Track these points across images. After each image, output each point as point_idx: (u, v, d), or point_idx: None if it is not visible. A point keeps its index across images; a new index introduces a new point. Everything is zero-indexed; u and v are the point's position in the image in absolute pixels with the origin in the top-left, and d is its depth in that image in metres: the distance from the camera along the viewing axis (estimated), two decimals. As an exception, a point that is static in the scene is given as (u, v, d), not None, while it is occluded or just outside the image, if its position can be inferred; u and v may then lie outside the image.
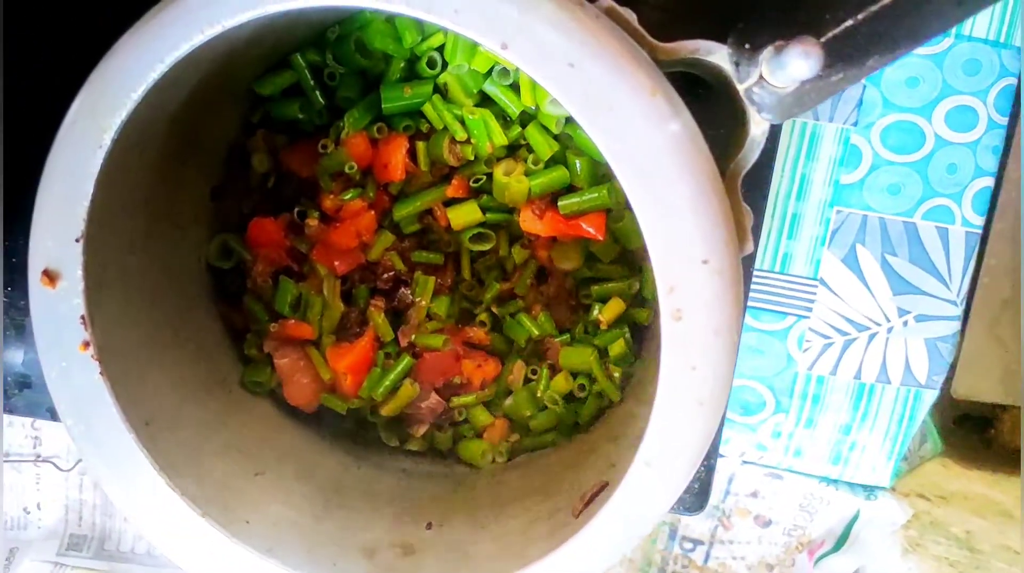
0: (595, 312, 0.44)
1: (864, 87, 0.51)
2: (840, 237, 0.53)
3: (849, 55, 0.28)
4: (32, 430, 0.59)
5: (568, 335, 0.45)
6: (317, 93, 0.41)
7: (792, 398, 0.55)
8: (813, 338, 0.54)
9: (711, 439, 0.32)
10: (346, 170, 0.41)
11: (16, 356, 0.48)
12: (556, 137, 0.41)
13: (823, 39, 0.28)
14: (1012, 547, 0.55)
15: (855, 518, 0.58)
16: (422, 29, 0.40)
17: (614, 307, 0.44)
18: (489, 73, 0.40)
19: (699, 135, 0.30)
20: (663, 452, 0.32)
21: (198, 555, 0.35)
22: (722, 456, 0.57)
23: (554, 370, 0.45)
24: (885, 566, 0.57)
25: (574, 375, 0.45)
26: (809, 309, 0.54)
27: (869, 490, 0.57)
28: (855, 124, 0.51)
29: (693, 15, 0.39)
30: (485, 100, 0.41)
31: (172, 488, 0.34)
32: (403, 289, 0.44)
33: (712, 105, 0.34)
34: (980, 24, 0.50)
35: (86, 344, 0.32)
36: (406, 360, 0.44)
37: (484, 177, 0.42)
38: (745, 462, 0.58)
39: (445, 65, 0.40)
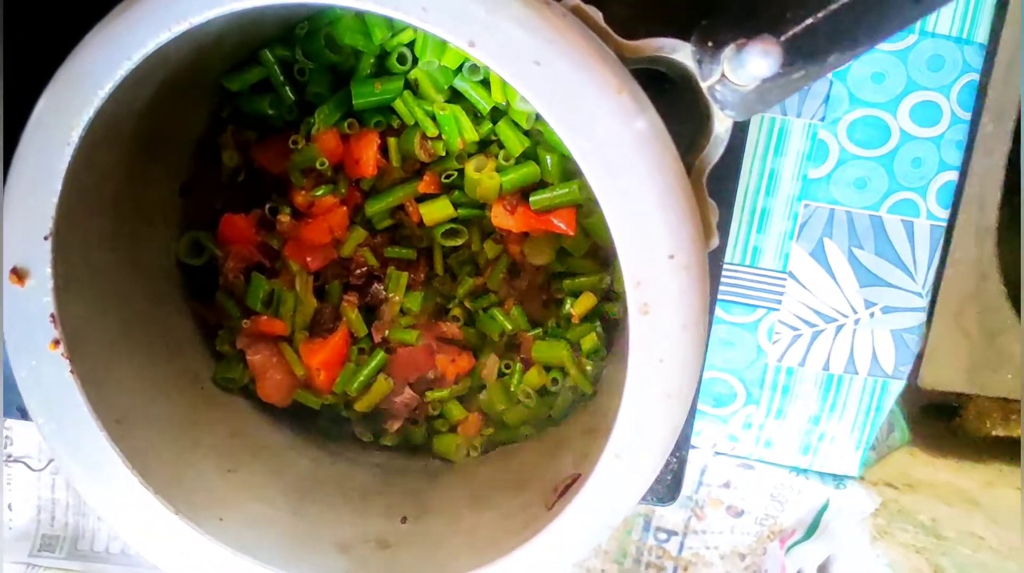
0: (567, 306, 0.44)
1: (831, 83, 0.51)
2: (808, 231, 0.54)
3: (810, 53, 0.28)
4: (3, 430, 0.58)
5: (541, 329, 0.45)
6: (287, 89, 0.41)
7: (762, 390, 0.56)
8: (782, 330, 0.55)
9: (679, 431, 0.33)
10: (317, 166, 0.41)
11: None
12: (527, 133, 0.41)
13: (784, 37, 0.28)
14: (977, 533, 0.56)
15: (824, 507, 0.59)
16: (392, 25, 0.40)
17: (585, 301, 0.44)
18: (459, 69, 0.40)
19: (665, 132, 0.30)
20: (632, 444, 0.32)
21: (172, 553, 0.35)
22: (694, 447, 0.58)
23: (527, 364, 0.45)
24: (854, 554, 0.58)
25: (547, 369, 0.45)
26: (778, 302, 0.55)
27: (838, 479, 0.58)
28: (822, 119, 0.52)
29: (658, 12, 0.40)
30: (456, 96, 0.41)
31: (145, 486, 0.34)
32: (376, 285, 0.44)
33: (676, 101, 0.34)
34: (943, 21, 0.51)
35: (56, 342, 0.32)
36: (380, 355, 0.44)
37: (456, 173, 0.42)
38: (717, 453, 0.59)
39: (415, 61, 0.40)
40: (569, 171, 0.42)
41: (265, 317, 0.43)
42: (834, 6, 0.28)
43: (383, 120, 0.42)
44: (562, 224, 0.41)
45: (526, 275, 0.45)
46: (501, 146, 0.42)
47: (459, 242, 0.44)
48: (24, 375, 0.33)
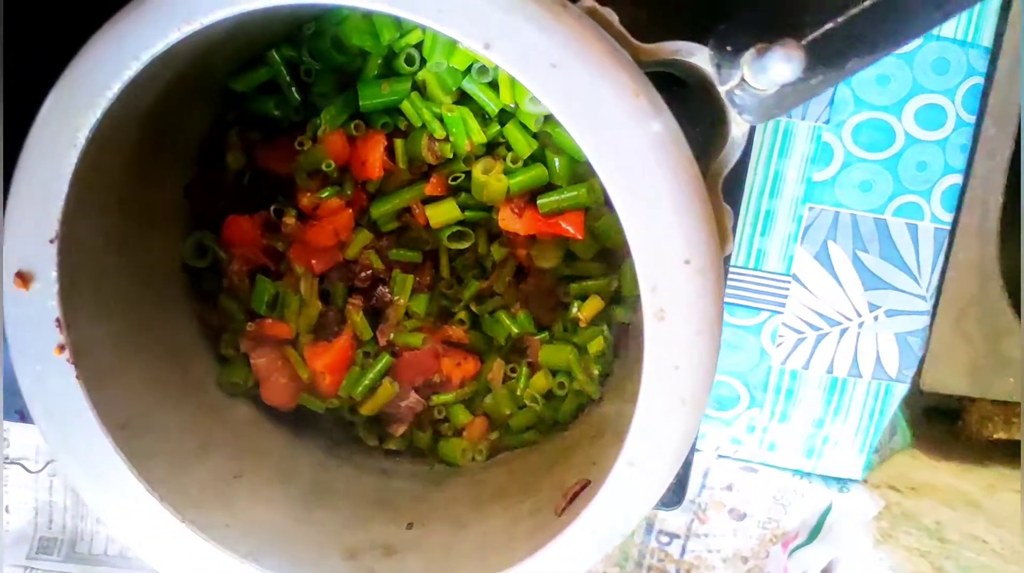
0: (574, 310, 0.44)
1: (836, 85, 0.51)
2: (812, 233, 0.53)
3: (829, 58, 0.28)
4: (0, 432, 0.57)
5: (547, 333, 0.45)
6: (293, 90, 0.41)
7: (766, 393, 0.56)
8: (786, 333, 0.55)
9: (693, 438, 0.32)
10: (323, 168, 0.41)
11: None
12: (535, 135, 0.41)
13: (804, 42, 0.28)
14: (980, 537, 0.56)
15: (828, 510, 0.59)
16: (400, 26, 0.39)
17: (593, 305, 0.44)
18: (468, 71, 0.40)
19: (681, 136, 0.30)
20: (646, 451, 0.32)
21: (178, 560, 0.35)
22: (698, 450, 0.58)
23: (533, 368, 0.45)
24: (857, 557, 0.58)
25: (553, 373, 0.45)
26: (782, 305, 0.55)
27: (842, 483, 0.58)
28: (827, 122, 0.52)
29: (671, 16, 0.39)
30: (464, 98, 0.41)
31: (151, 493, 0.33)
32: (381, 287, 0.44)
33: (689, 104, 0.34)
34: (949, 24, 0.51)
35: (61, 347, 0.32)
36: (385, 359, 0.43)
37: (463, 175, 0.42)
38: (720, 456, 0.58)
39: (423, 62, 0.40)
40: (577, 173, 0.41)
41: (269, 320, 0.42)
42: (854, 11, 0.28)
43: (390, 122, 0.41)
44: (570, 227, 0.41)
45: (533, 278, 0.45)
46: (509, 148, 0.41)
47: (465, 245, 0.43)
48: (28, 381, 0.32)
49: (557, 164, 0.41)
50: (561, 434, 0.45)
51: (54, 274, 0.31)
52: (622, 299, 0.45)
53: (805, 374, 0.56)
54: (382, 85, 0.40)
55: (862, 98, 0.51)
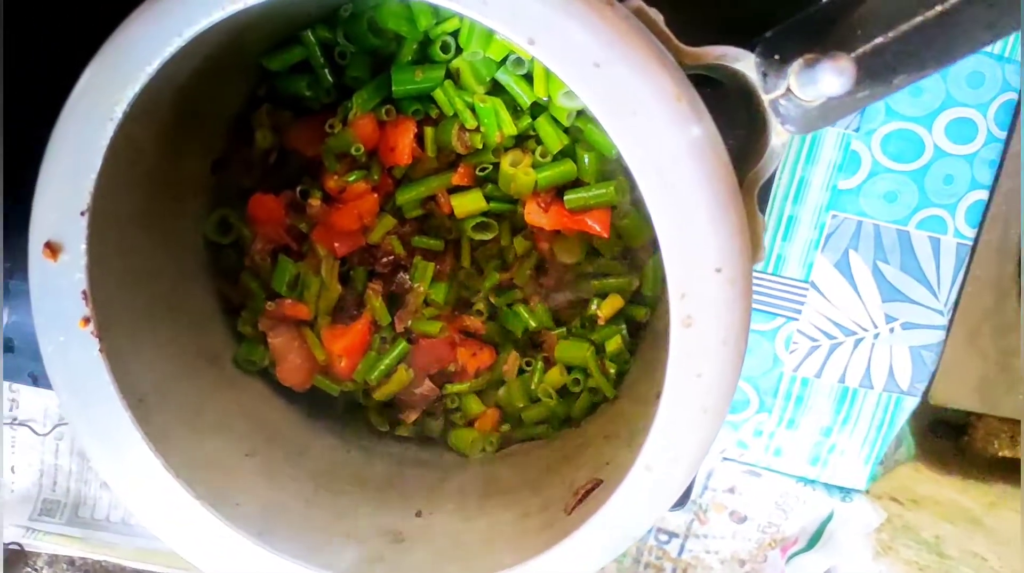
0: (593, 307, 0.44)
1: (877, 98, 0.51)
2: (834, 242, 0.53)
3: (877, 72, 0.28)
4: (9, 393, 0.58)
5: (565, 329, 0.45)
6: (326, 71, 0.41)
7: (776, 398, 0.56)
8: (800, 340, 0.55)
9: (711, 446, 0.32)
10: (352, 151, 0.41)
11: (-2, 318, 0.47)
12: (566, 130, 0.41)
13: (853, 55, 0.27)
14: (980, 554, 0.56)
15: (829, 518, 0.59)
16: (437, 13, 0.39)
17: (613, 303, 0.44)
18: (503, 62, 0.39)
19: (720, 142, 0.30)
20: (664, 456, 0.32)
21: (189, 536, 0.35)
22: (704, 452, 0.58)
23: (549, 363, 0.45)
24: (856, 567, 0.58)
25: (569, 369, 0.45)
26: (799, 311, 0.54)
27: (845, 492, 0.58)
28: (856, 130, 0.51)
29: (717, 20, 0.39)
30: (497, 88, 0.41)
31: (167, 469, 0.33)
32: (402, 274, 0.44)
33: (726, 109, 0.33)
34: (986, 38, 0.50)
35: (86, 320, 0.32)
36: (402, 345, 0.43)
37: (491, 166, 0.42)
38: (725, 459, 0.58)
39: (459, 50, 0.40)
40: (606, 171, 0.41)
41: (289, 300, 0.42)
42: (905, 27, 0.27)
43: (421, 109, 0.41)
44: (596, 225, 0.41)
45: (554, 273, 0.44)
46: (539, 142, 0.41)
47: (489, 236, 0.43)
48: (51, 350, 0.32)
49: (587, 160, 0.41)
50: (573, 430, 0.45)
51: (83, 246, 0.31)
52: (642, 299, 0.45)
53: (816, 382, 0.56)
54: (415, 71, 0.40)
55: (894, 108, 0.51)
